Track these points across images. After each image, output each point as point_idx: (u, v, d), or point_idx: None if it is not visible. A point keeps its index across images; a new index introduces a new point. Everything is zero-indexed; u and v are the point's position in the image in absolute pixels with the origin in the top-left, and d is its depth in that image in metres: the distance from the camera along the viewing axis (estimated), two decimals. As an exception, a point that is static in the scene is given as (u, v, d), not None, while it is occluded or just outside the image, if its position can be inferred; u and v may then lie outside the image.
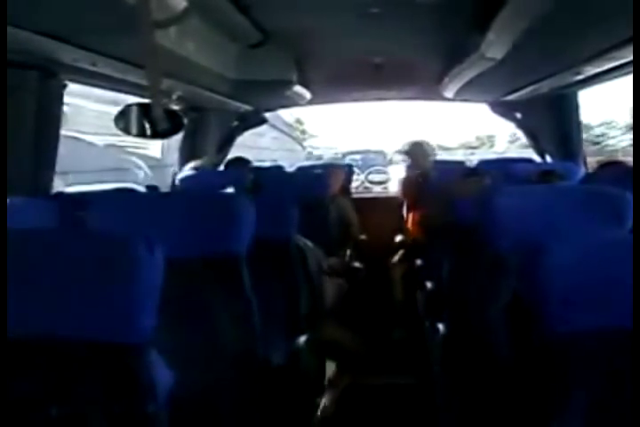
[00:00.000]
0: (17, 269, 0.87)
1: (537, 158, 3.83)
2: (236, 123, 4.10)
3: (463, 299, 1.75)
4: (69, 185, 3.01)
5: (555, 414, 0.95)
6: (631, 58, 2.07)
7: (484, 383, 1.40)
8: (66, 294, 0.88)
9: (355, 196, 4.46)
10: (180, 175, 3.37)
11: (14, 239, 0.89)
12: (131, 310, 0.88)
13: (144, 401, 0.86)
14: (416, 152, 3.86)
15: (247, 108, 3.86)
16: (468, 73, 2.92)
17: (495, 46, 2.24)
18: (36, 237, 0.94)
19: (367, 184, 5.15)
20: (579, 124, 3.52)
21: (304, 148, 13.56)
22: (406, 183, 3.75)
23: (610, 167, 2.50)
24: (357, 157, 4.46)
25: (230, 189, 2.43)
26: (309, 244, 2.26)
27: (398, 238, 3.77)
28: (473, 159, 5.02)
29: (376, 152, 6.09)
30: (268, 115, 4.20)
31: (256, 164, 3.89)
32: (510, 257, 1.19)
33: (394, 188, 4.33)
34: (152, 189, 3.01)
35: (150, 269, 0.89)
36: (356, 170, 4.92)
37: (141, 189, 2.97)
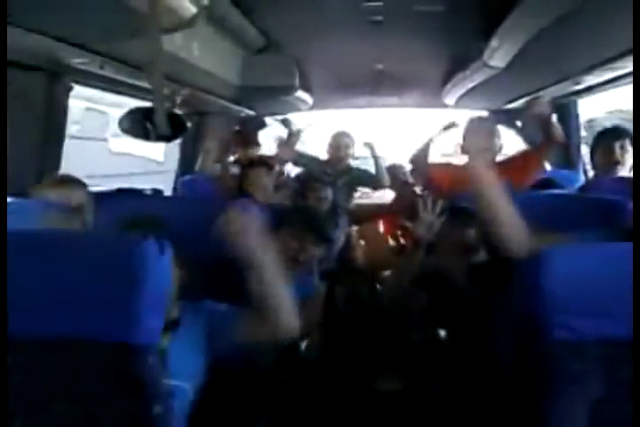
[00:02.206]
0: (26, 269, 0.88)
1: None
2: (237, 127, 4.11)
3: (464, 306, 1.76)
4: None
5: (555, 421, 0.96)
6: (631, 69, 2.09)
7: (484, 390, 1.40)
8: (75, 294, 0.89)
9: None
10: (182, 179, 3.38)
11: (24, 240, 0.90)
12: (139, 311, 0.89)
13: (151, 402, 0.87)
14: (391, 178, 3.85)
15: (249, 112, 3.87)
16: (469, 81, 2.94)
17: (498, 54, 2.26)
18: (45, 237, 0.95)
19: (366, 190, 5.15)
20: (578, 132, 3.54)
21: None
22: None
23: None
24: (357, 162, 4.44)
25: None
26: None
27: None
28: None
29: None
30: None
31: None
32: (512, 265, 1.19)
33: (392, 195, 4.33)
34: (156, 191, 3.01)
35: (159, 270, 0.90)
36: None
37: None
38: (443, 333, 1.93)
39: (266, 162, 3.04)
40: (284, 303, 1.27)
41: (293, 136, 3.41)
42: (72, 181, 1.84)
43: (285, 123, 3.69)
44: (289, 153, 3.33)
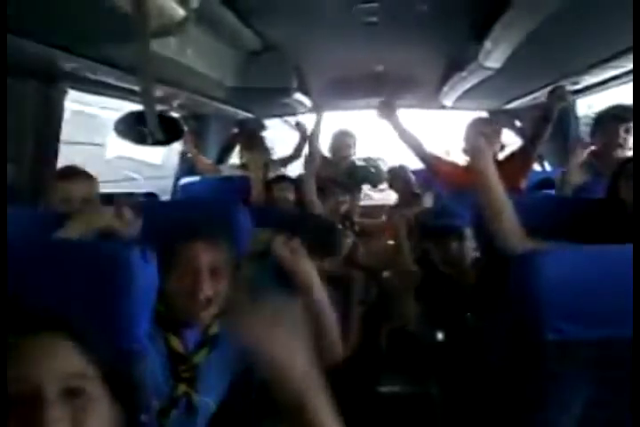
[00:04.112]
0: (19, 274, 0.87)
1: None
2: (235, 130, 4.12)
3: (460, 307, 1.75)
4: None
5: (546, 423, 0.95)
6: (629, 68, 2.08)
7: (479, 393, 1.40)
8: (60, 301, 0.88)
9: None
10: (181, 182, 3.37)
11: (15, 250, 0.89)
12: (126, 317, 0.89)
13: (138, 410, 0.86)
14: (394, 180, 3.82)
15: (247, 115, 3.87)
16: (466, 82, 2.93)
17: (493, 55, 2.25)
18: (34, 247, 0.95)
19: (367, 191, 5.15)
20: (577, 132, 3.54)
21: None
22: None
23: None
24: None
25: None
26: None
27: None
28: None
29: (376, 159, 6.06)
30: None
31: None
32: (506, 266, 1.18)
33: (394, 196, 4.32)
34: (151, 196, 3.01)
35: (145, 276, 0.90)
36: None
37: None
38: (440, 335, 1.93)
39: (289, 178, 3.13)
40: (332, 330, 1.30)
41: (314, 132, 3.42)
42: (78, 174, 1.81)
43: (299, 126, 3.69)
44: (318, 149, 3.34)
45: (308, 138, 3.39)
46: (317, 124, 3.36)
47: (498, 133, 2.59)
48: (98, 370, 0.70)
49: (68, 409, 0.65)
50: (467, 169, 2.56)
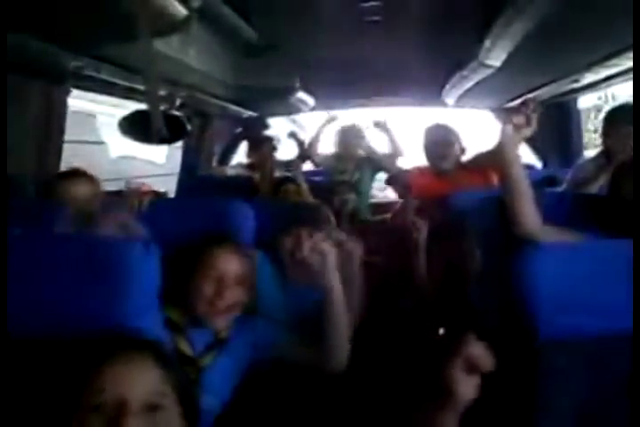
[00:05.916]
0: (19, 271, 0.88)
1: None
2: (239, 129, 4.13)
3: (459, 304, 1.76)
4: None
5: (543, 419, 0.96)
6: (629, 65, 2.08)
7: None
8: (65, 295, 0.89)
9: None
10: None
11: (18, 242, 0.91)
12: (128, 310, 0.90)
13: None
14: (395, 184, 3.78)
15: (251, 114, 3.88)
16: (468, 80, 2.93)
17: (493, 53, 2.26)
18: (38, 240, 0.96)
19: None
20: (579, 130, 3.54)
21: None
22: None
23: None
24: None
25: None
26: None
27: None
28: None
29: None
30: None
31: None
32: (501, 263, 1.20)
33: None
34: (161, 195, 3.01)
35: (147, 270, 0.91)
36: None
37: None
38: (441, 331, 1.94)
39: (294, 180, 3.12)
40: (342, 334, 1.24)
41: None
42: (80, 175, 1.82)
43: (294, 136, 3.68)
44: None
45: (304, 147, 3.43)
46: (316, 136, 3.36)
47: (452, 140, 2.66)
48: (173, 389, 0.79)
49: (147, 422, 0.75)
50: (436, 176, 2.66)
